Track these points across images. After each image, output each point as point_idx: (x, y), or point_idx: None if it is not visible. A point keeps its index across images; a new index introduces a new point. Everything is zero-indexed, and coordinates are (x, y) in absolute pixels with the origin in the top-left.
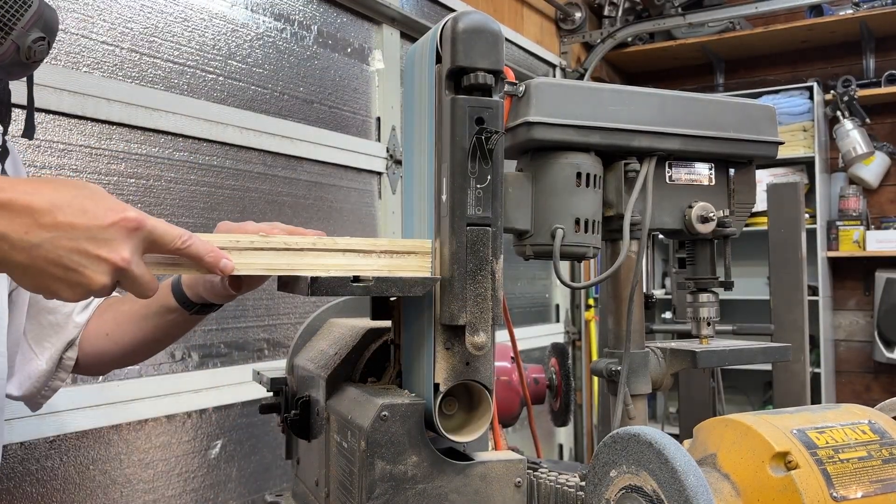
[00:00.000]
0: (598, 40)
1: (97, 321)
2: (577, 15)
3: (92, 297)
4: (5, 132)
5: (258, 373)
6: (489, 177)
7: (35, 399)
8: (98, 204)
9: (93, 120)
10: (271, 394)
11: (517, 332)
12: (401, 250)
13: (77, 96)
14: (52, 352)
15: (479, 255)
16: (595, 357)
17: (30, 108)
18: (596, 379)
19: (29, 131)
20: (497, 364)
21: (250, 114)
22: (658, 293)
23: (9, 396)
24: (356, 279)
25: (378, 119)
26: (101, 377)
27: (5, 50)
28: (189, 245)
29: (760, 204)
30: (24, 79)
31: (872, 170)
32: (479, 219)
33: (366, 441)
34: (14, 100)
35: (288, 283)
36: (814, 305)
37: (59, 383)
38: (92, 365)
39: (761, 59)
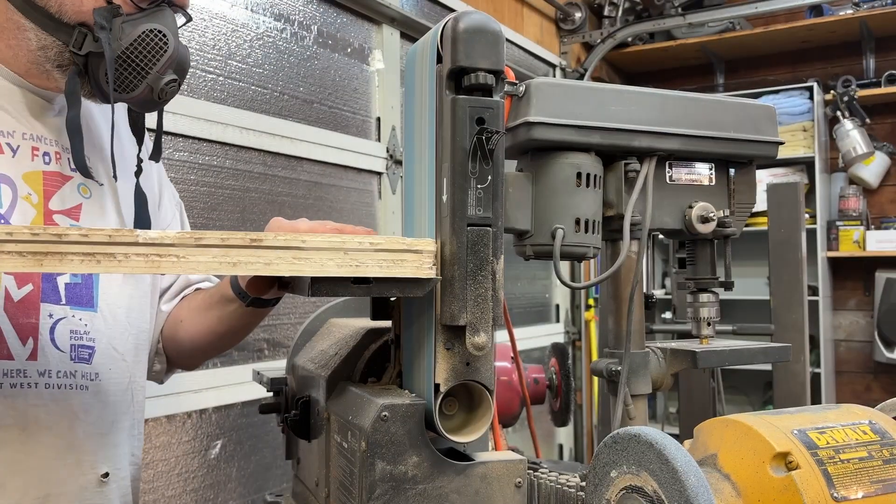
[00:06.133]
0: (598, 40)
1: (177, 310)
2: (577, 15)
3: (181, 289)
4: (139, 152)
5: (258, 373)
6: (490, 177)
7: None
8: None
9: None
10: (271, 394)
11: (517, 332)
12: (399, 248)
13: None
14: None
15: (480, 255)
16: (595, 357)
17: (158, 134)
18: (596, 379)
19: (156, 154)
20: (497, 364)
21: (250, 114)
22: (658, 293)
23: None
24: (356, 280)
25: (378, 119)
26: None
27: (140, 92)
28: None
29: (760, 204)
30: None
31: (872, 170)
32: (480, 219)
33: (366, 441)
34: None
35: (288, 284)
36: (814, 305)
37: (158, 366)
38: (174, 355)
39: (761, 59)
